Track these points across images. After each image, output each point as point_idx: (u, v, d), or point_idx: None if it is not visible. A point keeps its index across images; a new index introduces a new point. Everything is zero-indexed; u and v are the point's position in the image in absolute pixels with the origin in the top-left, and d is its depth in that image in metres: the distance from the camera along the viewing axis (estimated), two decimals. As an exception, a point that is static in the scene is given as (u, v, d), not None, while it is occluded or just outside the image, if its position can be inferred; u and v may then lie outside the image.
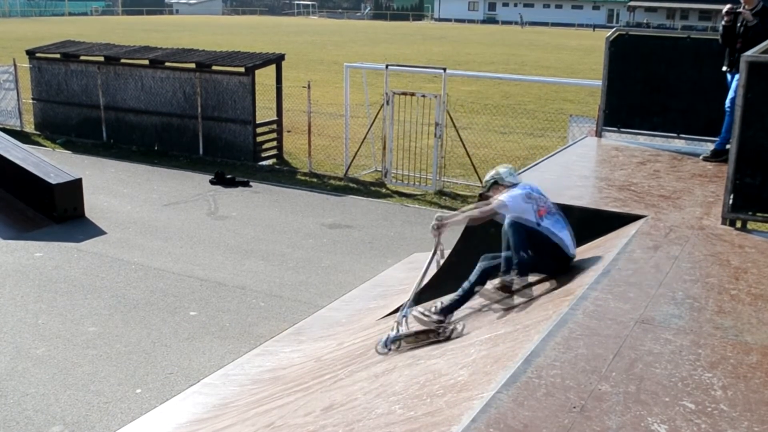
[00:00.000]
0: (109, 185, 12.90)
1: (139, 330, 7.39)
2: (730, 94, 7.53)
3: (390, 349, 5.15)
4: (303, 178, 13.91)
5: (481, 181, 12.49)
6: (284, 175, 14.11)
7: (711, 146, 8.12)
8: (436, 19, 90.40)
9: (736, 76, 6.83)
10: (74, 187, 10.89)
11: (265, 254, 9.65)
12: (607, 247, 5.58)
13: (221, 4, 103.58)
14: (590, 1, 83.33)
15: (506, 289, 5.24)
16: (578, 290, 4.60)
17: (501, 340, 4.31)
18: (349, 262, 9.48)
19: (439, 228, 5.34)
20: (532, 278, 5.33)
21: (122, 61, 16.05)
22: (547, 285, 5.24)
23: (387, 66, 13.56)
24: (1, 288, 8.35)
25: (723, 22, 7.75)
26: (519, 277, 5.17)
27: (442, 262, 5.64)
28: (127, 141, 15.83)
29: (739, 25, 7.64)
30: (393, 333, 5.21)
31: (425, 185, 13.06)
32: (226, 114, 14.57)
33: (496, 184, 5.56)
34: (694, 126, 8.55)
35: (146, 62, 15.62)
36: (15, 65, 17.34)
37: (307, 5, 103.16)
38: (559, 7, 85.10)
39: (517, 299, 5.16)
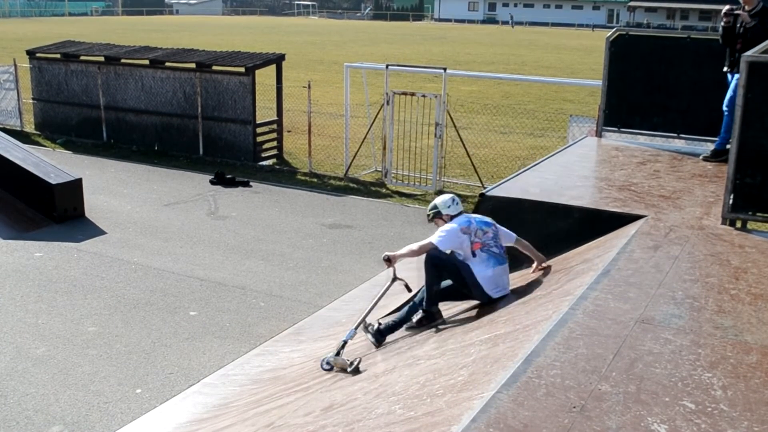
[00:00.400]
0: (109, 185, 12.90)
1: (139, 330, 7.39)
2: (729, 94, 7.53)
3: (327, 369, 5.27)
4: (303, 178, 13.91)
5: (481, 182, 12.64)
6: (284, 175, 14.11)
7: (711, 146, 8.13)
8: (436, 20, 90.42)
9: (736, 76, 6.84)
10: (74, 187, 10.89)
11: (265, 254, 9.65)
12: (607, 247, 5.58)
13: (221, 4, 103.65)
14: (590, 1, 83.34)
15: (422, 322, 5.54)
16: (578, 290, 4.60)
17: (501, 340, 4.31)
18: (349, 262, 9.48)
19: (389, 261, 5.48)
20: (452, 305, 5.64)
21: (122, 61, 16.05)
22: (465, 309, 5.47)
23: (387, 66, 13.56)
24: (1, 288, 8.35)
25: (722, 23, 7.75)
26: (425, 313, 5.50)
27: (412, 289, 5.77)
28: (127, 141, 15.83)
29: (738, 25, 7.64)
30: (331, 356, 5.32)
31: (425, 185, 13.06)
32: (227, 114, 14.57)
33: (438, 215, 5.69)
34: (694, 126, 8.56)
35: (146, 62, 15.62)
36: (15, 65, 17.34)
37: (307, 5, 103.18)
38: (559, 7, 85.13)
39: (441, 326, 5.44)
